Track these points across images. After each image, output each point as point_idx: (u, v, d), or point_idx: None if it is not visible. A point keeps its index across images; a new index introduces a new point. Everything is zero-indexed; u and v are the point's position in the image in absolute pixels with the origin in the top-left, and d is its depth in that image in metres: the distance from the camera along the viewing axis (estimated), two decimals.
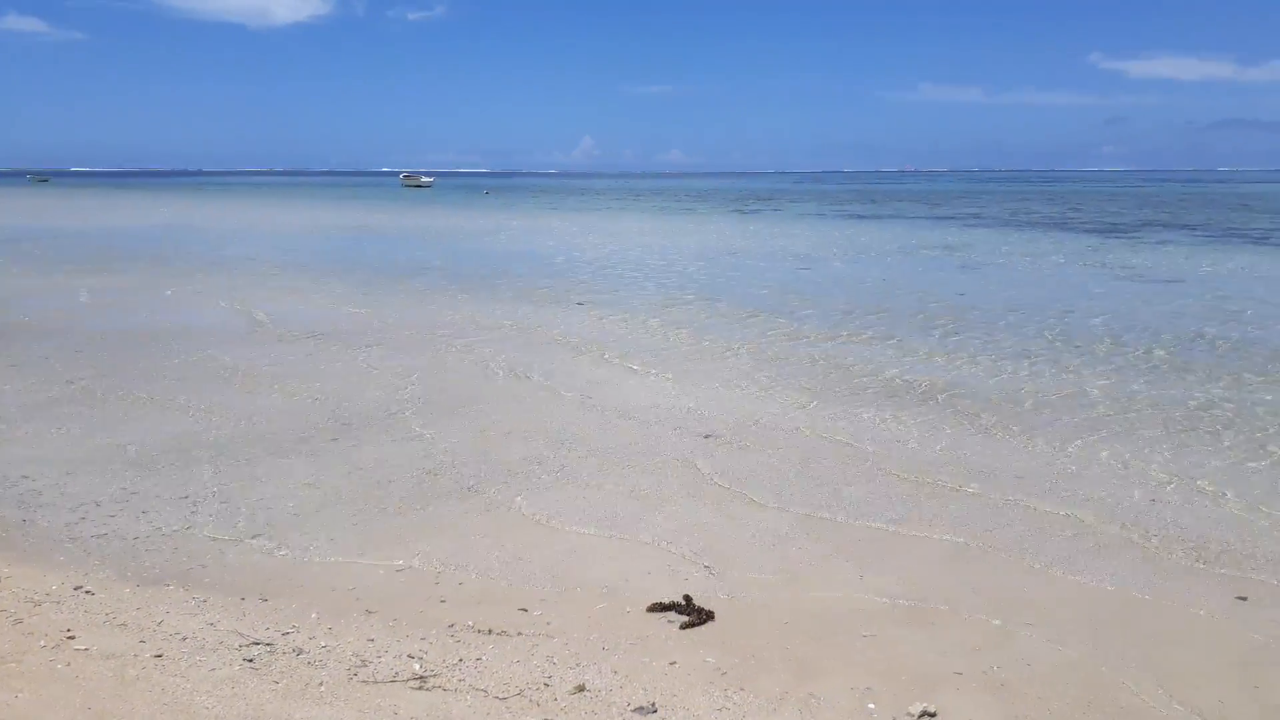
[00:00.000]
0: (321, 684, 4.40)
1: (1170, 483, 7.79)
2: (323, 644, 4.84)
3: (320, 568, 5.92)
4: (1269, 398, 10.61)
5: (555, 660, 4.72)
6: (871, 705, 4.38)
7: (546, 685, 4.46)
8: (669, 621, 5.21)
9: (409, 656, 4.72)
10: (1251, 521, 6.94)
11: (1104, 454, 8.57)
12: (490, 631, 5.03)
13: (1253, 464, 8.30)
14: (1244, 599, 5.68)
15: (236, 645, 4.77)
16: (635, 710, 4.27)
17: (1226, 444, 8.88)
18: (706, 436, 9.02)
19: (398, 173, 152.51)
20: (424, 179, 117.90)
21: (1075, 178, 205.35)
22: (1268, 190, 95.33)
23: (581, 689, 4.43)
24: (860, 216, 53.12)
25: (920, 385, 11.28)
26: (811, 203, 74.64)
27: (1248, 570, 6.08)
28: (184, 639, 4.83)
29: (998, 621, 5.29)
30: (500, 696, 4.34)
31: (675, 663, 4.74)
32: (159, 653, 4.64)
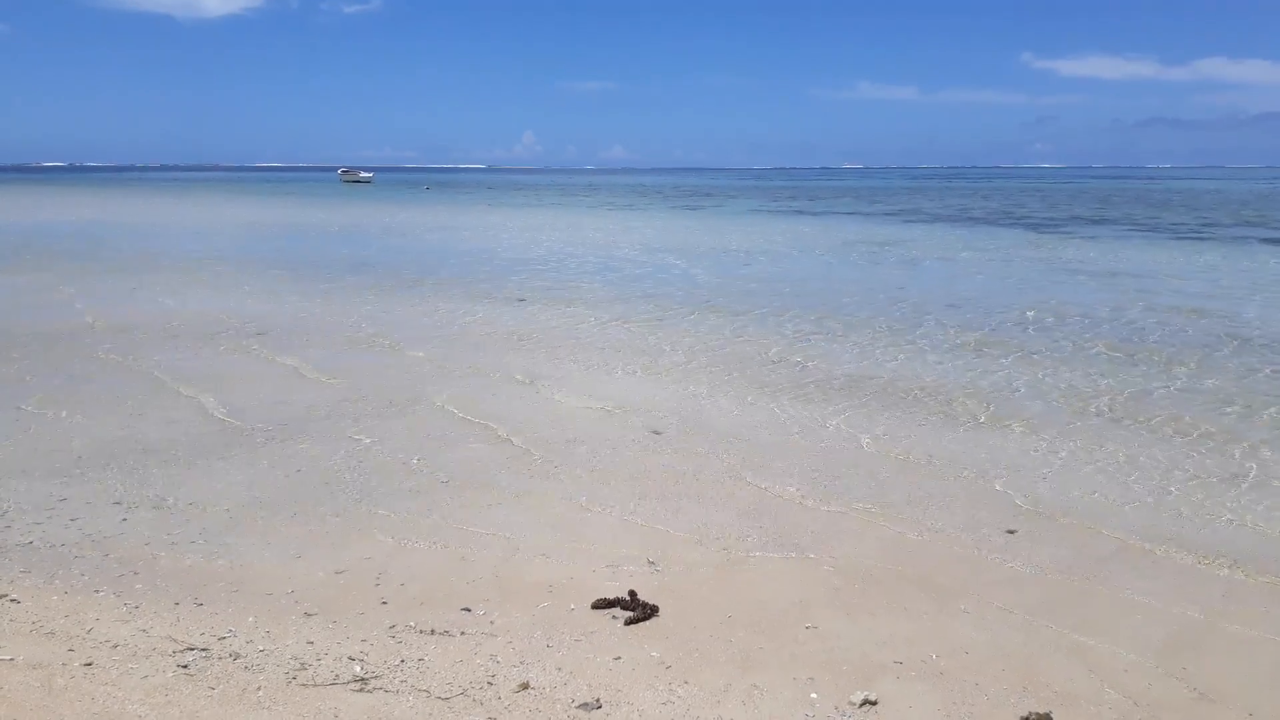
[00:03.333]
0: (259, 688, 4.32)
1: (1103, 469, 8.01)
2: (260, 648, 4.75)
3: (258, 571, 5.80)
4: (1210, 383, 10.97)
5: (499, 659, 4.69)
6: (814, 695, 4.43)
7: (490, 684, 4.43)
8: (613, 617, 5.22)
9: (349, 658, 4.65)
10: (1202, 513, 7.18)
11: (1038, 441, 8.78)
12: (432, 632, 4.99)
13: (1188, 449, 8.58)
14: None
15: (170, 651, 4.66)
16: (580, 706, 4.26)
17: (1155, 431, 9.16)
18: (653, 432, 9.04)
19: (336, 168, 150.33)
20: (363, 175, 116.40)
21: (1008, 175, 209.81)
22: (1189, 186, 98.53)
23: (525, 687, 4.41)
24: (801, 213, 53.68)
25: (861, 377, 11.43)
26: (753, 199, 75.24)
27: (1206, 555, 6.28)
28: (115, 646, 4.70)
29: (936, 609, 5.39)
30: (443, 696, 4.30)
31: (620, 658, 4.74)
32: (89, 661, 4.52)
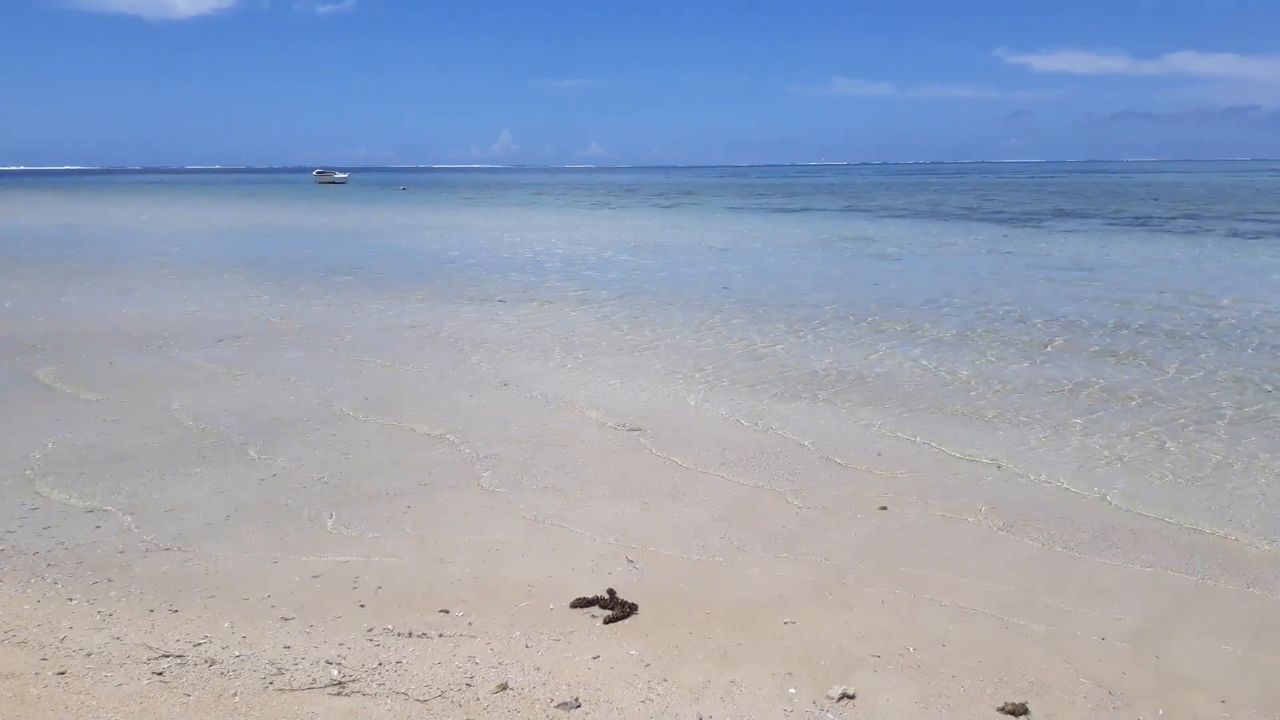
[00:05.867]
0: (235, 694, 4.29)
1: (1077, 460, 8.09)
2: (236, 653, 4.72)
3: (233, 576, 5.76)
4: (1185, 374, 11.09)
5: (477, 660, 4.69)
6: (792, 690, 4.45)
7: (468, 685, 4.43)
8: (592, 616, 5.22)
9: (327, 662, 4.63)
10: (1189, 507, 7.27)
11: (1013, 432, 8.86)
12: (410, 634, 4.97)
13: (1160, 446, 8.68)
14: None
15: (145, 659, 4.62)
16: (558, 706, 4.26)
17: (1128, 422, 9.25)
18: (631, 430, 9.04)
19: (311, 169, 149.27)
20: (338, 176, 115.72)
21: (984, 170, 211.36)
22: (1160, 180, 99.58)
23: (504, 687, 4.41)
24: (779, 210, 53.83)
25: (838, 374, 11.49)
26: (732, 196, 75.39)
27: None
28: (89, 655, 4.66)
29: (912, 602, 5.42)
30: (421, 699, 4.29)
31: (599, 657, 4.75)
32: (62, 670, 4.48)
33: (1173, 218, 40.65)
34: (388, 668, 4.60)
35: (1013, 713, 4.29)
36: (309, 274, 22.61)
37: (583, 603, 5.34)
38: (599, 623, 5.13)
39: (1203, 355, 12.39)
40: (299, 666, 4.59)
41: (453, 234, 36.38)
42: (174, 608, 5.29)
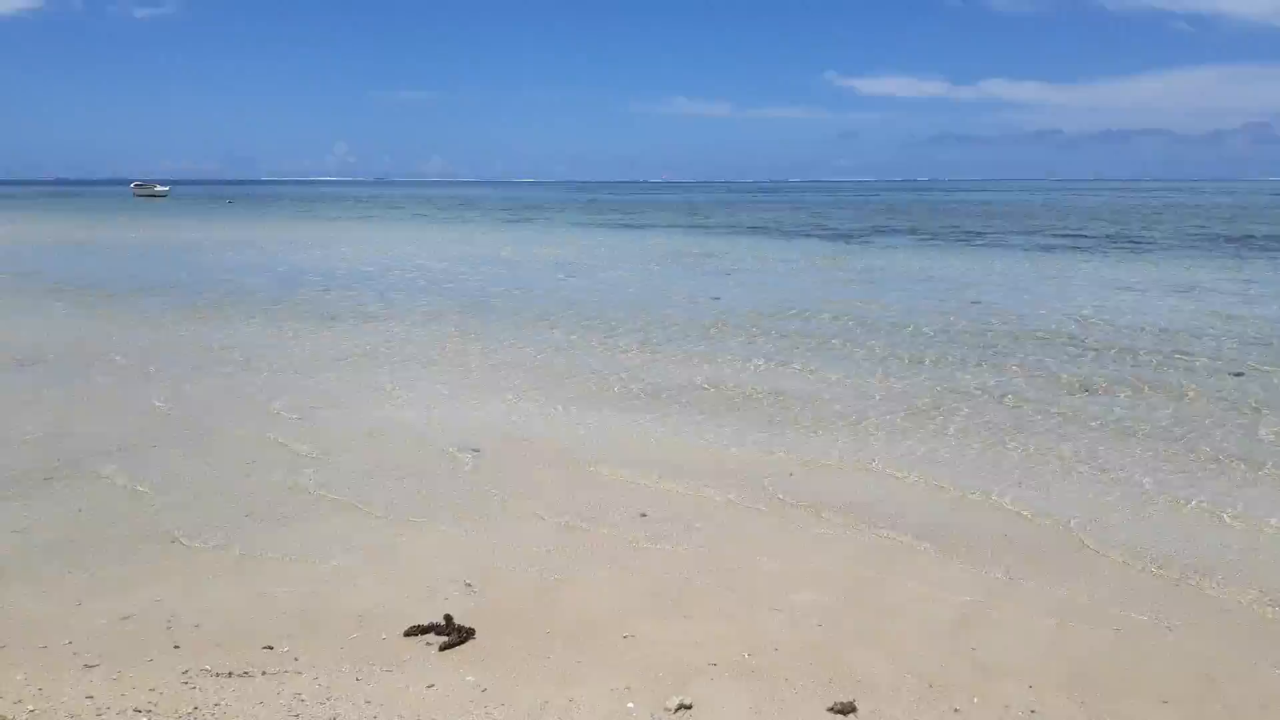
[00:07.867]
0: None
1: (896, 465, 8.49)
2: (30, 708, 4.32)
3: (29, 623, 5.27)
4: (993, 379, 11.82)
5: (304, 697, 4.46)
6: (631, 704, 4.45)
7: None
8: (427, 644, 5.07)
9: (135, 710, 4.31)
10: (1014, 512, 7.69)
11: (837, 439, 9.22)
12: (230, 674, 4.68)
13: (987, 451, 9.21)
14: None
15: None
16: None
17: (940, 426, 9.79)
18: (472, 450, 8.88)
19: (129, 181, 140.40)
20: (158, 189, 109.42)
21: (817, 188, 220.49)
22: (978, 198, 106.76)
23: None
24: (624, 226, 54.44)
25: (681, 384, 11.67)
26: (577, 212, 75.74)
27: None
28: None
29: (748, 610, 5.53)
30: None
31: (434, 685, 4.61)
32: None
33: (986, 233, 43.57)
34: (204, 711, 4.32)
35: (842, 711, 4.43)
36: (128, 292, 21.16)
37: (417, 630, 5.18)
38: (434, 650, 4.99)
39: (1016, 361, 13.27)
40: (103, 718, 4.24)
41: (283, 249, 34.85)
42: None
